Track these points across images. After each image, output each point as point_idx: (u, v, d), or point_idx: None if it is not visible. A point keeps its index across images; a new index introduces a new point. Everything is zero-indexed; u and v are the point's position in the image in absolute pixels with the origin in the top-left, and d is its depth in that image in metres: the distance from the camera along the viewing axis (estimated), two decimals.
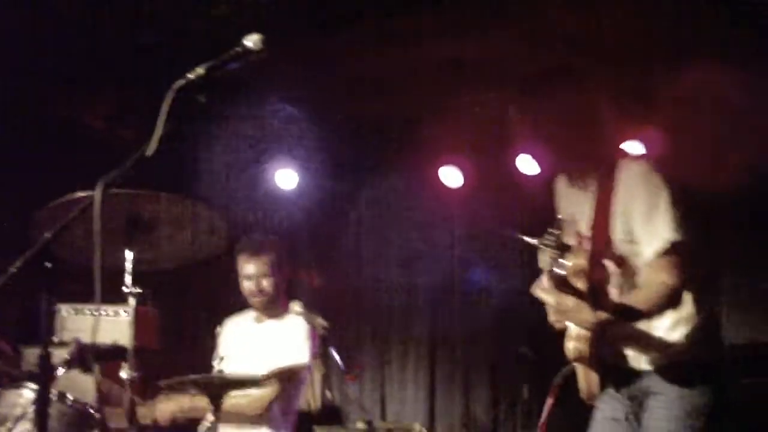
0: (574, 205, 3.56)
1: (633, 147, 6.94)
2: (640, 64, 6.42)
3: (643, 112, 6.65)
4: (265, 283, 5.15)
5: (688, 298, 3.30)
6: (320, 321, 4.73)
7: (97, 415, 4.41)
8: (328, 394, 7.93)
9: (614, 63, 6.22)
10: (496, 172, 7.34)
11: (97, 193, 2.48)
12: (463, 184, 7.68)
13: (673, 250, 3.18)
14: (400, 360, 8.34)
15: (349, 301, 8.55)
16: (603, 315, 3.22)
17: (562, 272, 3.12)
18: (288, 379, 5.02)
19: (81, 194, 2.77)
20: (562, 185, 3.67)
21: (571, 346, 3.37)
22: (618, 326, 3.35)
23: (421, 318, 8.32)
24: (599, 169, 3.44)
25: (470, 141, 7.23)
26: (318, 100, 7.57)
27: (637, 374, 3.39)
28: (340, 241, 8.64)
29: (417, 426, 7.08)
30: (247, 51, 2.48)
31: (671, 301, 3.23)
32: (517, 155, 6.99)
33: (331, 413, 7.82)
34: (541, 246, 3.21)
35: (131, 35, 5.98)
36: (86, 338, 4.77)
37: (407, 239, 8.30)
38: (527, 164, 6.99)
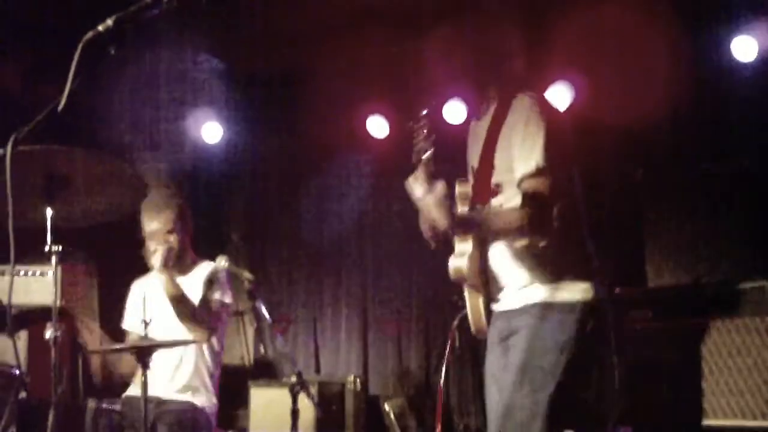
0: (475, 139, 3.69)
1: (558, 90, 7.02)
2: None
3: (565, 56, 6.70)
4: (171, 240, 5.11)
5: (551, 241, 3.40)
6: (247, 274, 4.70)
7: (23, 377, 4.37)
8: (260, 348, 7.95)
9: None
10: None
11: (8, 149, 2.43)
12: (389, 134, 7.68)
13: (538, 174, 3.30)
14: (333, 313, 8.35)
15: (279, 253, 8.54)
16: (460, 216, 3.39)
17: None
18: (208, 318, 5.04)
19: None
20: (472, 124, 3.80)
21: (450, 265, 3.47)
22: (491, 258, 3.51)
23: (353, 270, 8.33)
24: (499, 98, 3.57)
25: (396, 90, 7.22)
26: (241, 53, 7.50)
27: (510, 314, 3.51)
28: (269, 195, 8.60)
29: (350, 378, 7.13)
30: (157, 1, 2.44)
31: (534, 227, 3.34)
32: (443, 104, 7.01)
33: (264, 367, 7.85)
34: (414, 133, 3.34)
35: None
36: (15, 300, 4.71)
37: (336, 191, 8.29)
38: (453, 114, 7.01)
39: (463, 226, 3.44)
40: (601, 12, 5.98)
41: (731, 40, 6.50)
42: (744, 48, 6.47)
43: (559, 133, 3.39)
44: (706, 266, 6.58)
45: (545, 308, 3.39)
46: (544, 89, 7.01)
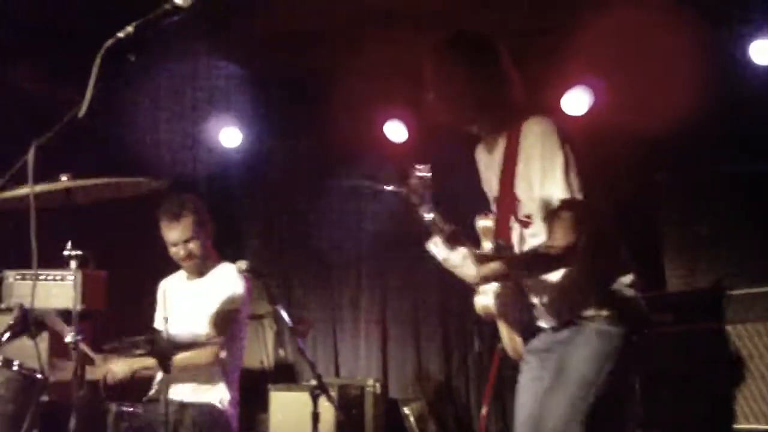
0: (489, 169, 3.63)
1: (578, 95, 7.00)
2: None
3: (587, 59, 6.70)
4: (192, 246, 5.17)
5: (583, 258, 3.32)
6: (267, 279, 4.73)
7: (45, 380, 4.39)
8: (280, 351, 7.98)
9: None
10: (439, 127, 7.36)
11: (30, 155, 2.45)
12: (408, 139, 7.69)
13: (564, 208, 3.23)
14: (352, 317, 8.37)
15: (298, 257, 8.55)
16: (488, 270, 3.29)
17: (448, 228, 3.21)
18: (225, 322, 5.06)
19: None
20: (480, 153, 3.73)
21: (477, 303, 3.45)
22: (525, 285, 3.48)
23: (371, 273, 8.34)
24: (506, 131, 3.49)
25: (415, 95, 7.23)
26: (260, 59, 7.52)
27: (554, 330, 3.46)
28: (288, 199, 8.61)
29: (370, 382, 7.13)
30: (177, 8, 2.46)
31: (564, 258, 3.27)
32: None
33: (284, 371, 7.88)
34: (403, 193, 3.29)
35: None
36: (35, 303, 4.73)
37: (355, 195, 8.30)
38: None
39: (490, 280, 3.42)
40: (619, 16, 5.97)
41: (749, 43, 6.49)
42: (762, 51, 6.46)
43: (575, 153, 3.31)
44: (727, 270, 6.56)
45: (594, 320, 3.34)
46: (562, 94, 7.01)
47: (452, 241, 3.25)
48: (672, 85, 6.36)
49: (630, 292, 3.40)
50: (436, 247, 3.31)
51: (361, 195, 8.25)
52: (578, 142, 3.41)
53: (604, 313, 3.33)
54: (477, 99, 3.49)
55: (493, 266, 3.33)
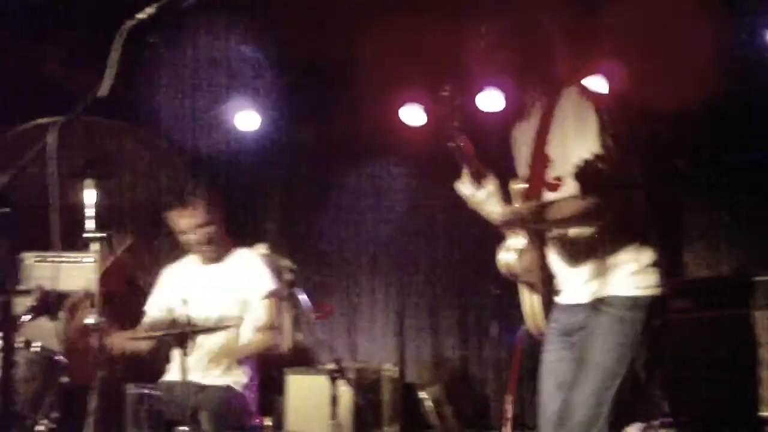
0: (523, 137, 3.63)
1: (594, 82, 6.95)
2: None
3: (602, 46, 6.66)
4: (206, 231, 5.03)
5: (611, 229, 3.32)
6: (286, 263, 4.74)
7: (64, 362, 4.42)
8: (298, 335, 7.98)
9: None
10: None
11: (51, 136, 2.45)
12: (426, 122, 7.65)
13: (596, 165, 3.11)
14: (369, 301, 8.37)
15: (316, 242, 8.56)
16: (514, 210, 3.30)
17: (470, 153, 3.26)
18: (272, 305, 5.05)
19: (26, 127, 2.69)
20: (516, 130, 3.73)
21: (500, 260, 3.47)
22: (549, 253, 3.45)
23: (389, 258, 8.34)
24: (546, 96, 3.52)
25: (432, 79, 7.21)
26: (278, 41, 7.50)
27: (575, 309, 3.42)
28: (305, 183, 8.61)
29: (387, 366, 7.14)
30: None
31: (590, 213, 3.23)
32: (477, 93, 6.97)
33: (301, 355, 7.88)
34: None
35: None
36: (52, 285, 4.75)
37: (373, 180, 8.30)
38: (488, 102, 6.95)
39: (514, 219, 3.38)
40: (637, 2, 5.94)
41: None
42: None
43: (611, 118, 3.30)
44: (748, 256, 6.55)
45: (614, 304, 3.31)
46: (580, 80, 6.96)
47: (478, 177, 3.24)
48: (690, 71, 6.32)
49: (655, 273, 3.35)
50: (463, 184, 3.30)
51: (378, 182, 8.26)
52: (618, 111, 3.41)
53: (626, 294, 3.30)
54: (527, 72, 3.53)
55: (518, 206, 3.32)
